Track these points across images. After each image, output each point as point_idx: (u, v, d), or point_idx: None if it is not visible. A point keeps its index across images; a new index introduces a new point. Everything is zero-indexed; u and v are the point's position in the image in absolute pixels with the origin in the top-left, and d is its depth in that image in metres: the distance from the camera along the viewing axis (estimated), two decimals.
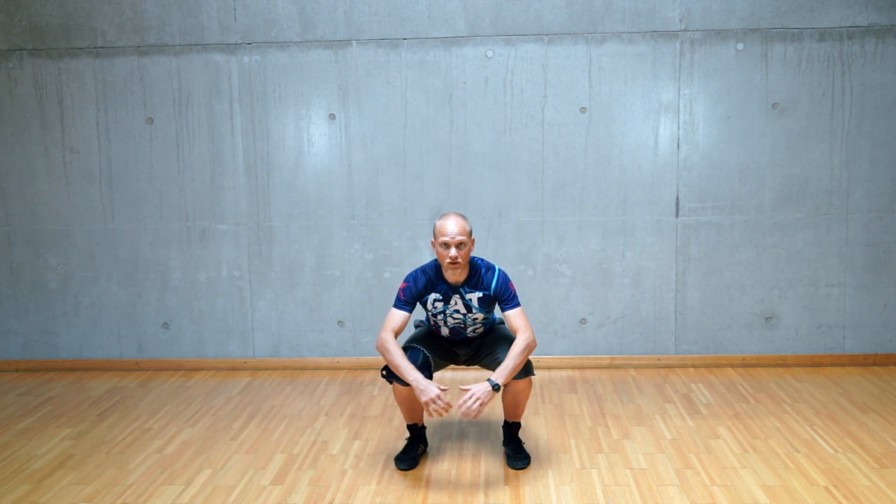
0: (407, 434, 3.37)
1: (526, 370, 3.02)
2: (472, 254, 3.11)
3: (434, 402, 2.83)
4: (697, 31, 4.17)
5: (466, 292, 3.06)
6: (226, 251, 4.47)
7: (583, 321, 4.41)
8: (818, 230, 4.27)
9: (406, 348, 3.05)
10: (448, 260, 2.96)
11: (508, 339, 3.09)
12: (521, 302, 3.12)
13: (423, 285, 3.07)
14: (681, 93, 4.22)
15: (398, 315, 3.03)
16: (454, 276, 3.04)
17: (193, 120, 4.38)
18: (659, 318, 4.38)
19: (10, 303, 4.58)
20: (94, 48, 4.36)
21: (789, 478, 2.95)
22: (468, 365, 3.28)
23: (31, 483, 3.06)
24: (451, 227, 2.95)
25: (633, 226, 4.32)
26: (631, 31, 4.19)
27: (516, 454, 3.13)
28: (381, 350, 2.97)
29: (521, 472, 3.06)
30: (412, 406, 3.14)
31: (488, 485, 2.96)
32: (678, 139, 4.26)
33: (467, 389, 2.85)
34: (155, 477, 3.10)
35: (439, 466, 3.13)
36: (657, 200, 4.30)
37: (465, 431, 3.51)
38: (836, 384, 4.03)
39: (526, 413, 3.68)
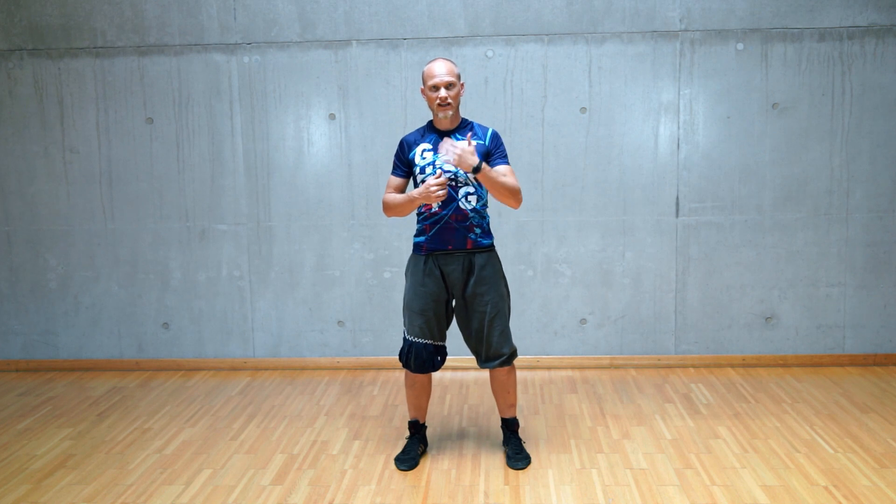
0: (407, 433, 3.37)
1: (509, 357, 3.05)
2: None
3: (429, 184, 2.86)
4: (697, 31, 4.17)
5: (458, 139, 2.99)
6: (226, 251, 4.47)
7: (583, 321, 4.41)
8: (818, 230, 4.27)
9: (409, 345, 3.06)
10: (438, 101, 2.93)
11: (503, 320, 3.05)
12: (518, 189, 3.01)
13: (413, 139, 3.07)
14: (681, 93, 4.22)
15: (394, 180, 3.09)
16: (445, 121, 3.00)
17: (193, 120, 4.38)
18: (659, 318, 4.38)
19: (10, 303, 4.58)
20: (94, 48, 4.36)
21: (789, 478, 2.95)
22: (462, 302, 3.08)
23: (31, 483, 3.06)
24: (440, 68, 2.94)
25: (633, 226, 4.32)
26: (631, 31, 4.19)
27: (516, 454, 3.13)
28: (384, 206, 3.07)
29: (521, 472, 3.06)
30: (420, 393, 3.17)
31: (488, 485, 2.96)
32: (678, 139, 4.26)
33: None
34: (155, 477, 3.10)
35: (439, 466, 3.14)
36: (657, 200, 4.30)
37: (465, 431, 3.51)
38: (836, 384, 4.03)
39: (526, 413, 3.69)
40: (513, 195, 2.94)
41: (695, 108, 4.23)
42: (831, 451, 3.19)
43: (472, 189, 3.00)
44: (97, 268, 4.52)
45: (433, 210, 3.01)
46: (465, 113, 4.27)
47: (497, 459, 3.19)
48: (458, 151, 2.81)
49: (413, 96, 4.28)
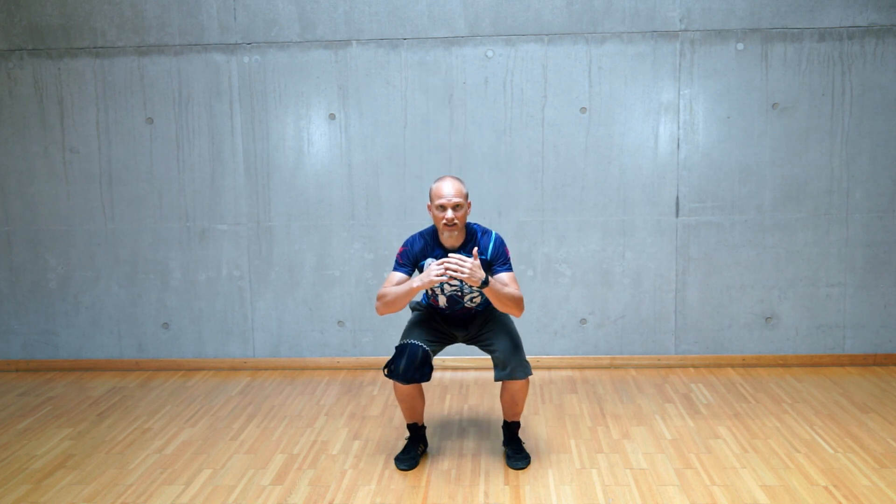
0: (407, 434, 3.37)
1: (524, 370, 3.02)
2: (469, 219, 3.08)
3: (439, 267, 2.81)
4: (697, 31, 4.17)
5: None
6: (226, 251, 4.47)
7: (583, 321, 4.41)
8: (818, 230, 4.27)
9: (402, 346, 3.02)
10: (444, 222, 2.93)
11: (509, 331, 3.09)
12: (519, 288, 3.06)
13: (419, 249, 3.05)
14: (681, 93, 4.22)
15: (397, 275, 3.01)
16: (451, 239, 3.01)
17: (193, 120, 4.38)
18: (659, 318, 4.38)
19: (10, 303, 4.58)
20: (94, 48, 4.36)
21: (789, 478, 2.95)
22: (467, 344, 3.23)
23: (31, 483, 3.06)
24: (448, 189, 2.92)
25: (633, 226, 4.32)
26: (631, 31, 4.19)
27: (516, 454, 3.13)
28: (380, 300, 2.94)
29: (521, 472, 3.07)
30: (413, 404, 3.14)
31: (488, 485, 2.96)
32: (678, 139, 4.26)
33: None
34: (155, 477, 3.10)
35: (439, 466, 3.14)
36: (657, 200, 4.30)
37: (465, 431, 3.51)
38: (836, 384, 4.03)
39: (526, 413, 3.69)
40: (515, 304, 2.95)
41: (695, 108, 4.23)
42: (831, 451, 3.19)
43: (476, 294, 3.09)
44: (97, 268, 4.52)
45: (440, 306, 3.12)
46: (466, 112, 4.27)
47: (497, 459, 3.19)
48: (467, 268, 2.81)
49: (413, 96, 4.28)
